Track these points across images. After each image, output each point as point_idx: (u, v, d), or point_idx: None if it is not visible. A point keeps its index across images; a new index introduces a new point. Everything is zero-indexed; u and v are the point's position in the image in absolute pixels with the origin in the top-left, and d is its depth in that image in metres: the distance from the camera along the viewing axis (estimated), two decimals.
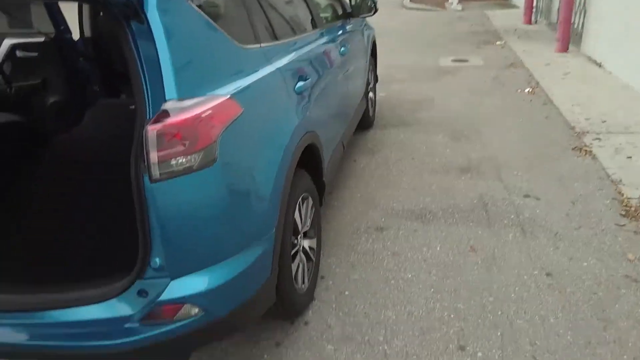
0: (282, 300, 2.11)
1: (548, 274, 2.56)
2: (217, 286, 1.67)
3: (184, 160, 1.54)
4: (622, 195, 3.26)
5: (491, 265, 2.66)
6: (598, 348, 2.09)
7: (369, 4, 4.02)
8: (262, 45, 2.18)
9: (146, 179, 1.51)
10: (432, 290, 2.50)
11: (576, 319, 2.25)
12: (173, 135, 1.52)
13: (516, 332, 2.20)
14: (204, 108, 1.59)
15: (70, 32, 3.40)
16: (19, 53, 2.91)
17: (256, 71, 2.01)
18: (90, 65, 3.46)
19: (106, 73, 3.47)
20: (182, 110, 1.54)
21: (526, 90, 5.66)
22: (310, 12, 3.11)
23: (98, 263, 1.93)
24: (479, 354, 2.10)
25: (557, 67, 6.52)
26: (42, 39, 3.11)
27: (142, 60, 1.52)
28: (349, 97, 3.59)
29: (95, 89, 3.48)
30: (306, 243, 2.44)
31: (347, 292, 2.52)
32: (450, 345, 2.16)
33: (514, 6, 12.94)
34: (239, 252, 1.76)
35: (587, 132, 4.29)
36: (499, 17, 11.38)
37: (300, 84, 2.36)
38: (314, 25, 3.09)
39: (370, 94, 4.64)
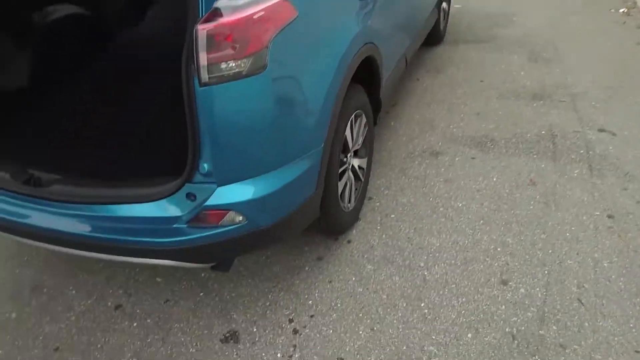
0: (326, 216, 2.18)
1: (610, 216, 2.48)
2: (262, 196, 1.74)
3: (233, 64, 1.53)
4: None
5: (549, 201, 2.60)
6: None
7: None
8: None
9: (196, 82, 1.53)
10: (482, 221, 2.50)
11: (632, 266, 2.20)
12: (224, 37, 1.50)
13: (564, 273, 2.19)
14: (257, 9, 1.55)
15: None
16: None
17: None
18: None
19: None
20: (234, 9, 1.51)
21: (620, 11, 5.12)
22: None
23: (153, 163, 2.03)
24: (522, 290, 2.12)
25: None
26: None
27: None
28: (418, 7, 3.40)
29: None
30: (356, 162, 2.46)
31: (393, 215, 2.56)
32: (492, 279, 2.18)
33: None
34: (284, 164, 1.80)
35: None
36: None
37: None
38: None
39: (444, 5, 4.34)
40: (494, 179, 2.78)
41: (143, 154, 2.15)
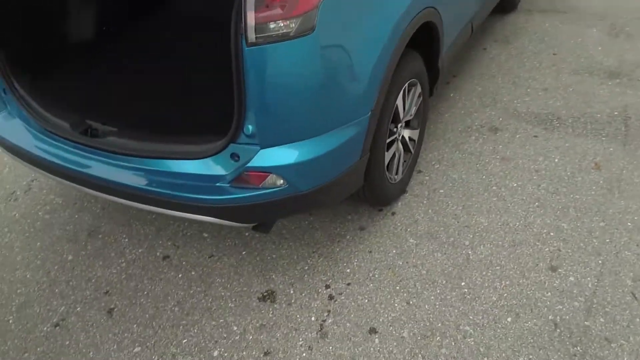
0: (370, 186, 2.17)
1: None
2: (303, 161, 1.75)
3: (282, 24, 1.53)
4: None
5: (614, 187, 2.45)
6: None
7: None
8: None
9: (243, 41, 1.55)
10: (537, 204, 2.40)
11: None
12: None
13: (620, 264, 2.08)
14: None
15: None
16: None
17: None
18: None
19: None
20: None
21: None
22: None
23: (202, 122, 2.09)
24: (571, 279, 2.04)
25: None
26: None
27: None
28: None
29: None
30: (406, 133, 2.42)
31: (441, 191, 2.52)
32: (541, 264, 2.11)
33: None
34: (329, 130, 1.80)
35: None
36: None
37: None
38: None
39: None
40: (556, 160, 2.65)
41: (193, 112, 2.21)
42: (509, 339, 1.86)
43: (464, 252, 2.20)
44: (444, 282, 2.08)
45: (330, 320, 1.98)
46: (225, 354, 1.91)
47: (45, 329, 2.07)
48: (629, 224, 2.25)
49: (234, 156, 1.77)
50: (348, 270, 2.17)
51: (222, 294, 2.14)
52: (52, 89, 2.30)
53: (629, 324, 1.87)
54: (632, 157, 2.62)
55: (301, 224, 2.39)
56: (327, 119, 1.78)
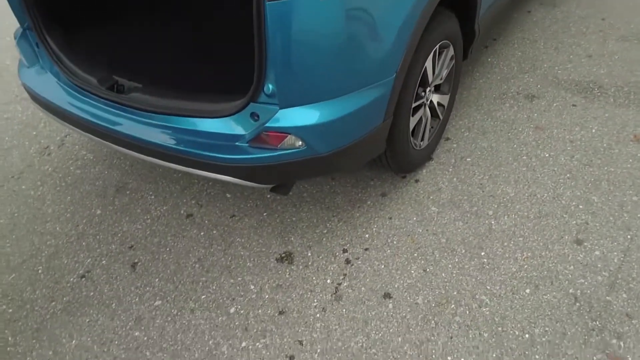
0: (392, 152, 2.16)
1: None
2: (323, 123, 1.76)
3: None
4: None
5: None
6: None
7: None
8: None
9: None
10: (568, 175, 2.35)
11: None
12: None
13: None
14: None
15: None
16: None
17: None
18: None
19: None
20: None
21: None
22: None
23: (224, 81, 2.12)
24: (596, 253, 2.01)
25: None
26: None
27: None
28: None
29: None
30: (435, 98, 2.38)
31: (469, 159, 2.49)
32: (566, 237, 2.08)
33: None
34: (351, 92, 1.79)
35: None
36: None
37: None
38: None
39: None
40: (593, 130, 2.57)
41: (215, 70, 2.23)
42: (526, 310, 1.86)
43: (486, 221, 2.18)
44: (464, 251, 2.08)
45: (345, 284, 2.03)
46: (242, 311, 1.99)
47: (71, 279, 2.19)
48: None
49: (254, 115, 1.79)
50: (367, 236, 2.19)
51: (242, 253, 2.21)
52: (83, 44, 2.36)
53: None
54: None
55: (323, 188, 2.42)
56: (349, 79, 1.77)
